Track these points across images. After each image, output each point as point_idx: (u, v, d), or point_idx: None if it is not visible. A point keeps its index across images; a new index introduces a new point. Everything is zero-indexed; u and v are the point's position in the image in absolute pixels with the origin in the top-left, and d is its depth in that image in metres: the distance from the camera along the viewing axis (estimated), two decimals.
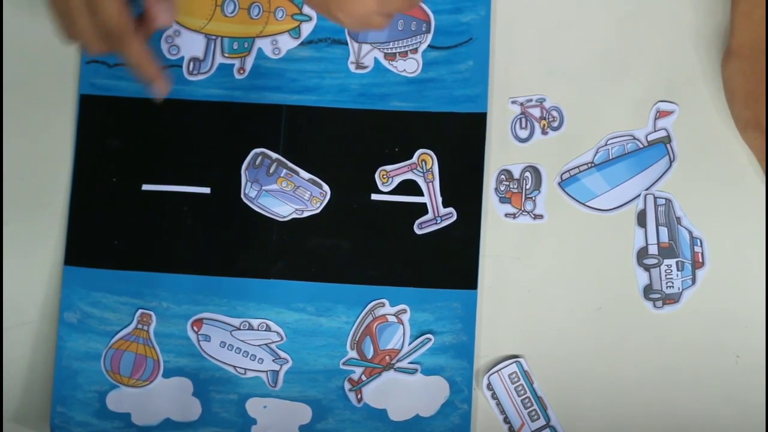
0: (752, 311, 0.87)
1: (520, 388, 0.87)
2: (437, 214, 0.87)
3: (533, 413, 0.87)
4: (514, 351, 0.87)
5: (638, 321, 0.87)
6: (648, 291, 0.87)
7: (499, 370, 0.86)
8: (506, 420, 0.87)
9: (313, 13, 0.88)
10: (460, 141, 0.87)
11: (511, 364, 0.86)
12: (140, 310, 0.86)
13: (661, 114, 0.88)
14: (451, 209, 0.87)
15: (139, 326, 0.86)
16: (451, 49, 0.88)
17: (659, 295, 0.87)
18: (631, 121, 0.87)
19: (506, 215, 0.88)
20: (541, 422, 0.87)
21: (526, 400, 0.87)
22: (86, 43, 0.78)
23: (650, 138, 0.88)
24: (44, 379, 0.87)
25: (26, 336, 0.87)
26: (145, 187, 0.87)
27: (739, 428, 0.86)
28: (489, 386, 0.86)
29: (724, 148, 0.88)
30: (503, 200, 0.88)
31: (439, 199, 0.87)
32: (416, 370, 0.86)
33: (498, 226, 0.88)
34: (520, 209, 0.88)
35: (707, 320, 0.87)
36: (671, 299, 0.87)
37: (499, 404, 0.87)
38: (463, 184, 0.87)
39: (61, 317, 0.86)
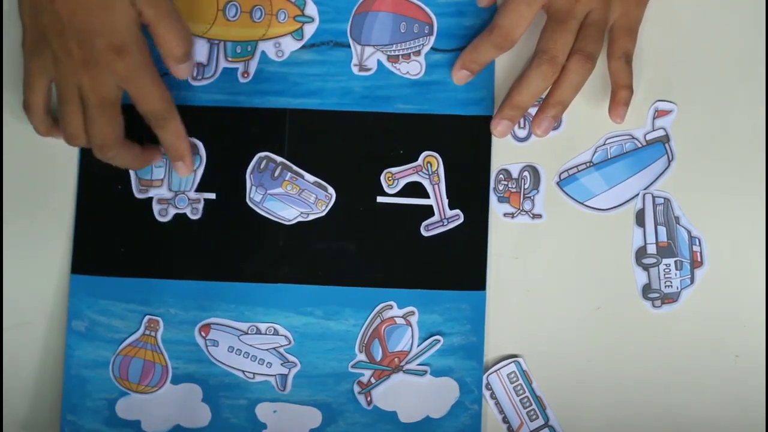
0: (751, 310, 0.87)
1: (519, 387, 0.87)
2: (444, 216, 0.87)
3: (532, 413, 0.87)
4: (512, 350, 0.87)
5: (637, 320, 0.87)
6: (647, 290, 0.87)
7: (498, 369, 0.87)
8: (505, 419, 0.87)
9: (315, 15, 0.88)
10: (465, 144, 0.87)
11: (509, 363, 0.87)
12: (147, 317, 0.86)
13: (659, 113, 0.88)
14: (457, 211, 0.87)
15: (147, 332, 0.85)
16: (454, 52, 0.87)
17: (658, 295, 0.87)
18: (630, 120, 0.87)
19: (505, 215, 0.88)
20: (540, 422, 0.87)
21: (525, 400, 0.87)
22: (35, 122, 0.82)
23: (649, 137, 0.88)
24: (53, 388, 0.86)
25: (34, 346, 0.86)
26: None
27: (739, 428, 0.87)
28: (488, 386, 0.87)
29: (723, 147, 0.88)
30: (502, 200, 0.88)
31: (446, 201, 0.87)
32: (426, 372, 0.86)
33: (496, 226, 0.87)
34: (519, 209, 0.88)
35: (706, 320, 0.87)
36: (670, 299, 0.87)
37: (497, 404, 0.87)
38: (470, 187, 0.87)
39: (69, 326, 0.85)
